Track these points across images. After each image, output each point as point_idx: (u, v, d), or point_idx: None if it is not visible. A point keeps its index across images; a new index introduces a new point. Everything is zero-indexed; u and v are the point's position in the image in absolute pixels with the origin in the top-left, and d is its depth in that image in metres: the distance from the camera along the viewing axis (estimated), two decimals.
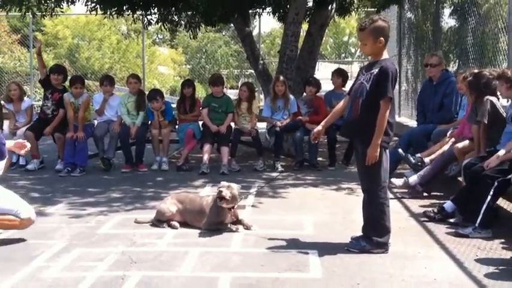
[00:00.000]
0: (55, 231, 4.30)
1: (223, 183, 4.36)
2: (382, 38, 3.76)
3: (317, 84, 7.67)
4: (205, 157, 7.13)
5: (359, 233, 3.93)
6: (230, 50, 31.94)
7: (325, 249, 3.85)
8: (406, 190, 5.64)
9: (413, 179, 5.58)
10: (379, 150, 3.70)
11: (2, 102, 7.78)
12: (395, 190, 5.63)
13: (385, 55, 3.88)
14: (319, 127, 4.08)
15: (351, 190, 6.03)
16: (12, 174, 6.92)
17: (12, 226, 3.98)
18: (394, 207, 4.68)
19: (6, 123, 7.69)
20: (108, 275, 3.35)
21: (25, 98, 7.86)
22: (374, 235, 3.81)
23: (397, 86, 6.73)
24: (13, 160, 7.55)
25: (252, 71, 26.52)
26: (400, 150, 5.96)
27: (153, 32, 35.72)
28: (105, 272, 3.40)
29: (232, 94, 12.58)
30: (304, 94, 7.97)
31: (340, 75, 7.83)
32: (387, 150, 3.84)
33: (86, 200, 5.49)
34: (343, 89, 7.81)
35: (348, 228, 4.34)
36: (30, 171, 7.07)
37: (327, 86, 8.81)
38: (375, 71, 3.77)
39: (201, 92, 19.81)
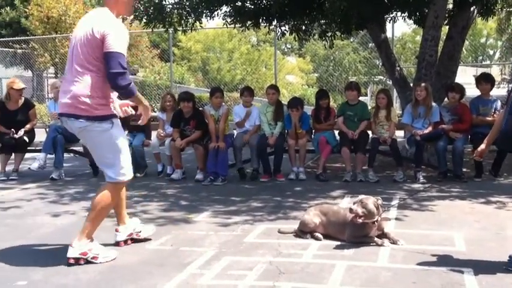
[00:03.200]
0: (204, 239, 4.46)
1: (360, 197, 4.25)
2: None
3: (460, 90, 7.28)
4: (347, 164, 7.19)
5: None
6: (358, 56, 31.53)
7: (481, 267, 3.61)
8: None
9: None
10: None
11: (156, 112, 8.26)
12: None
13: None
14: (483, 146, 3.88)
15: (501, 204, 5.66)
16: (160, 183, 7.37)
17: None
18: None
19: (153, 134, 8.19)
20: (259, 284, 3.39)
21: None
22: None
23: None
24: (159, 169, 8.03)
25: (382, 78, 25.97)
26: None
27: (281, 42, 36.38)
28: (255, 281, 3.44)
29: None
30: (446, 100, 7.60)
31: (488, 81, 7.34)
32: None
33: (229, 209, 5.65)
34: (491, 94, 7.35)
35: (503, 246, 4.07)
36: (175, 181, 7.45)
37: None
38: None
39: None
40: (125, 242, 4.29)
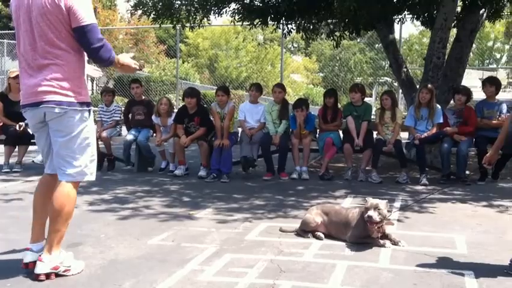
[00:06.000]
0: (205, 235, 4.46)
1: (371, 201, 4.19)
2: None
3: (467, 93, 7.27)
4: (349, 161, 7.32)
5: None
6: (365, 57, 31.52)
7: (482, 270, 3.60)
8: None
9: None
10: None
11: (153, 116, 8.05)
12: None
13: None
14: (492, 152, 3.86)
15: (504, 207, 5.65)
16: (163, 179, 7.39)
17: None
18: None
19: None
20: (259, 282, 3.38)
21: (173, 114, 8.00)
22: None
23: None
24: (162, 166, 8.06)
25: (387, 79, 25.95)
26: None
27: (288, 40, 36.36)
28: (255, 279, 3.44)
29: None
30: (452, 103, 7.59)
31: (493, 84, 7.33)
32: None
33: (231, 206, 5.65)
34: (496, 98, 7.33)
35: (505, 249, 4.04)
36: (178, 177, 7.47)
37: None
38: None
39: None
40: (47, 276, 3.38)
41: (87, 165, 3.49)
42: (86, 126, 3.45)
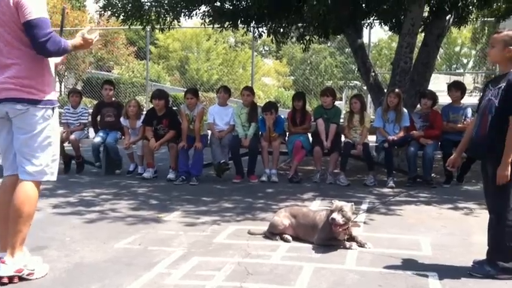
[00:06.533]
0: (173, 239, 4.44)
1: (336, 204, 4.24)
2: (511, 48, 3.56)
3: (433, 97, 7.40)
4: (318, 164, 7.40)
5: (480, 256, 3.72)
6: (335, 61, 31.74)
7: (446, 272, 3.67)
8: None
9: None
10: (510, 169, 3.47)
11: (122, 119, 7.95)
12: None
13: None
14: (455, 155, 3.99)
15: (468, 210, 5.75)
16: (131, 181, 7.32)
17: None
18: None
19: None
20: (226, 285, 3.39)
21: (142, 117, 7.91)
22: (500, 260, 3.58)
23: None
24: (130, 169, 7.99)
25: (357, 83, 26.24)
26: None
27: (259, 43, 36.42)
28: (223, 282, 3.44)
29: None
30: (419, 107, 7.70)
31: (458, 88, 7.46)
32: None
33: (200, 209, 5.64)
34: (462, 102, 7.47)
35: (469, 251, 4.13)
36: (146, 180, 7.40)
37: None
38: (503, 85, 3.57)
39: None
40: (10, 279, 3.34)
41: (48, 164, 3.46)
42: (48, 125, 3.42)
